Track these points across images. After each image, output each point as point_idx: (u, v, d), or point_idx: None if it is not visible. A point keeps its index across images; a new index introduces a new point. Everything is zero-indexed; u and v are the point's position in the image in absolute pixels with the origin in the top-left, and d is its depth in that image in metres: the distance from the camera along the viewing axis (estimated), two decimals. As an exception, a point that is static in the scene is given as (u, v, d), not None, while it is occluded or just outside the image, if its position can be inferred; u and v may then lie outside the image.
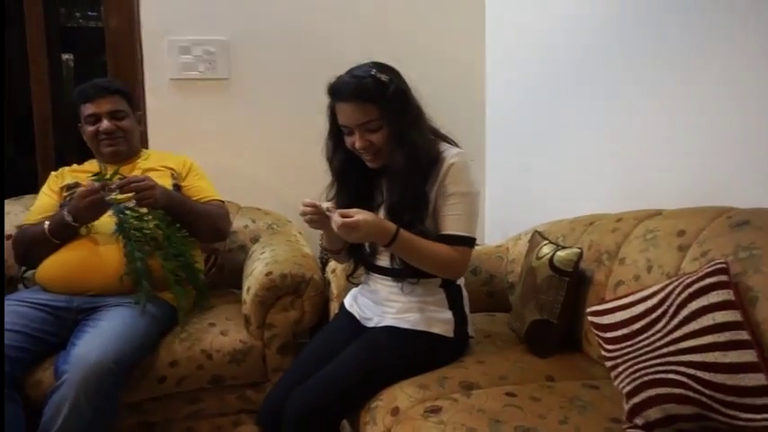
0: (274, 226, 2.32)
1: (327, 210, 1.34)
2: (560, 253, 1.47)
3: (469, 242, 1.41)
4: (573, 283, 1.46)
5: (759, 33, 1.29)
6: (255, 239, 2.27)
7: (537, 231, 1.70)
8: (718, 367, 1.00)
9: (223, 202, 2.05)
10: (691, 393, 1.01)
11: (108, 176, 1.81)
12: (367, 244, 1.52)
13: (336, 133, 1.46)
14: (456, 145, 1.49)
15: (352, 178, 1.50)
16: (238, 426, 1.81)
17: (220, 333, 1.80)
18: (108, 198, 1.67)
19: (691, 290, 1.08)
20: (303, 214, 1.38)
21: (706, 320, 1.04)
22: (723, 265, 1.08)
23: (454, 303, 1.49)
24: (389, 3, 2.54)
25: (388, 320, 1.49)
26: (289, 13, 2.45)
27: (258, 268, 1.87)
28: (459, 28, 2.61)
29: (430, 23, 2.57)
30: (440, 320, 1.46)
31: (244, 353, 1.78)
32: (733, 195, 1.33)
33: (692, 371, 1.02)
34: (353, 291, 1.67)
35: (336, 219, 1.29)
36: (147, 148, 2.32)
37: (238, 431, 1.81)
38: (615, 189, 1.77)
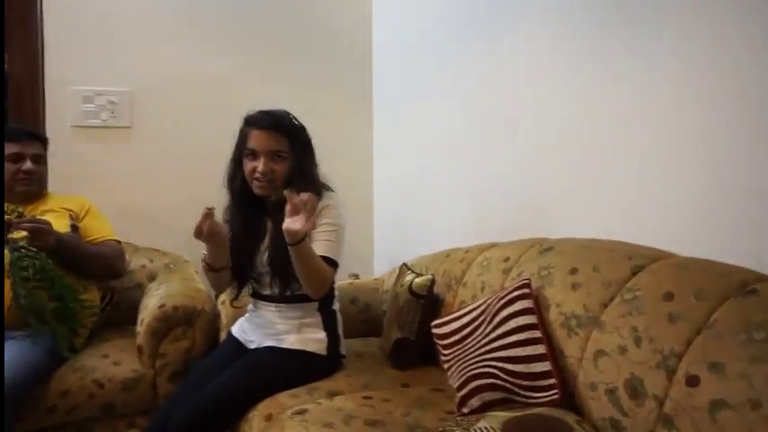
0: (171, 265, 2.45)
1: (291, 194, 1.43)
2: (417, 280, 1.73)
3: (336, 265, 1.63)
4: (427, 304, 1.72)
5: (575, 78, 1.65)
6: (152, 278, 2.38)
7: (404, 264, 1.96)
8: (518, 359, 1.27)
9: (119, 242, 2.17)
10: (499, 382, 1.27)
11: (13, 215, 1.90)
12: (257, 272, 1.70)
13: (239, 159, 1.67)
14: (331, 190, 1.73)
15: (246, 203, 1.69)
16: (129, 453, 1.89)
17: (113, 363, 1.90)
18: (9, 236, 1.77)
19: (503, 301, 1.36)
20: (201, 229, 1.53)
21: (512, 324, 1.32)
22: (527, 281, 1.37)
23: (329, 325, 1.70)
24: (285, 54, 2.82)
25: (269, 342, 1.67)
26: (189, 64, 2.67)
27: (152, 302, 2.00)
28: (350, 83, 2.93)
29: (324, 78, 2.88)
30: (314, 340, 1.67)
31: (135, 381, 1.88)
32: (553, 227, 1.66)
33: (500, 364, 1.29)
34: (241, 318, 1.84)
35: (303, 195, 1.41)
36: (47, 190, 2.40)
37: (128, 457, 1.89)
38: (468, 227, 2.09)
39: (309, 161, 1.68)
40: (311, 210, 1.42)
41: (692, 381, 0.98)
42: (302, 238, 1.44)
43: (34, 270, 1.84)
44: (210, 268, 1.66)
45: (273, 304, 1.70)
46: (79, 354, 1.93)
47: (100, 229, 2.15)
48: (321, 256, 1.58)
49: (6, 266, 1.78)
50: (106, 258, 2.07)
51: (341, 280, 2.07)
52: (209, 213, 1.53)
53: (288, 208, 1.41)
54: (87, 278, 2.05)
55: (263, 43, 2.78)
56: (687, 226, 1.31)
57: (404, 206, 2.67)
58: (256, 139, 1.61)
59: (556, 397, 1.19)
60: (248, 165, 1.63)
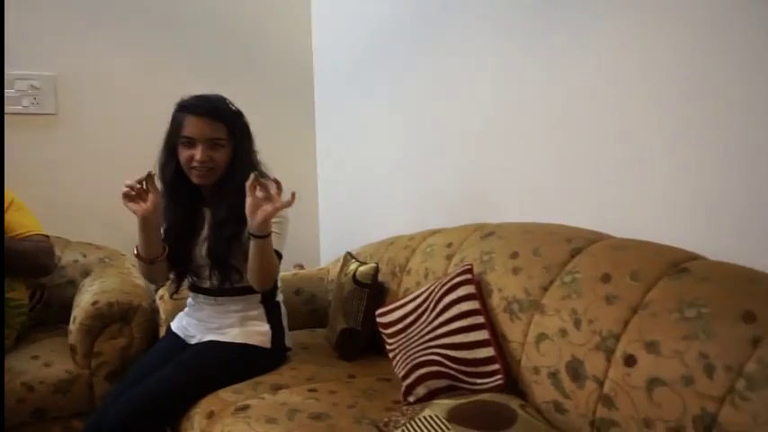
0: (106, 260, 2.34)
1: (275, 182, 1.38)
2: (361, 268, 1.71)
3: (281, 258, 1.59)
4: (372, 293, 1.70)
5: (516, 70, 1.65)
6: (86, 274, 2.27)
7: (348, 253, 1.94)
8: (462, 346, 1.27)
9: (47, 236, 2.05)
10: (443, 369, 1.27)
11: None
12: (195, 264, 1.64)
13: (172, 147, 1.58)
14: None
15: (180, 192, 1.61)
16: (63, 458, 1.81)
17: (44, 365, 1.80)
18: None
19: (446, 287, 1.36)
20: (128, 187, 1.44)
21: (455, 310, 1.31)
22: (469, 267, 1.37)
23: (272, 317, 1.66)
24: (221, 43, 2.71)
25: (210, 336, 1.62)
26: (119, 50, 2.53)
27: (85, 299, 1.90)
28: (290, 70, 2.86)
29: (260, 68, 2.79)
30: (258, 333, 1.62)
31: (69, 382, 1.79)
32: (494, 211, 1.67)
33: (444, 351, 1.28)
34: (180, 314, 1.77)
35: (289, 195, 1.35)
36: (-37, 183, 2.24)
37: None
38: (413, 214, 2.08)
39: (249, 147, 1.62)
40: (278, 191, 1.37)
41: (630, 360, 1.00)
42: (267, 234, 1.40)
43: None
44: (143, 259, 1.58)
45: (213, 297, 1.65)
46: (5, 356, 1.83)
47: (25, 223, 2.03)
48: None
49: None
50: (32, 254, 1.96)
51: (285, 271, 2.02)
52: (149, 177, 1.44)
53: (249, 201, 1.35)
54: (13, 276, 1.93)
55: (198, 32, 2.67)
56: (622, 207, 1.33)
57: (349, 194, 2.63)
58: (193, 127, 1.53)
59: (500, 382, 1.20)
60: (184, 153, 1.55)
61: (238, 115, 1.60)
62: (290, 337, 1.72)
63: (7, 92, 2.36)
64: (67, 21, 2.44)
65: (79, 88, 2.48)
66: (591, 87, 1.38)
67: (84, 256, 2.34)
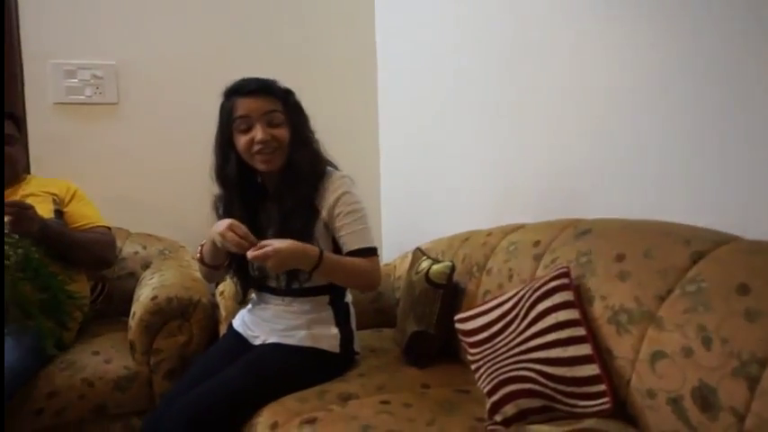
0: (166, 252, 2.29)
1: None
2: (435, 267, 1.56)
3: (376, 252, 1.48)
4: (447, 294, 1.55)
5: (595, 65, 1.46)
6: (146, 266, 2.22)
7: (418, 248, 1.79)
8: (559, 361, 1.10)
9: (109, 228, 2.01)
10: (538, 387, 1.11)
11: None
12: (253, 266, 1.54)
13: (228, 141, 1.46)
14: (336, 167, 1.55)
15: (245, 190, 1.50)
16: (123, 456, 1.75)
17: (104, 361, 1.75)
18: None
19: (538, 293, 1.19)
20: (232, 241, 1.33)
21: (550, 320, 1.15)
22: (565, 270, 1.20)
23: (341, 320, 1.54)
24: (280, 23, 2.60)
25: (275, 337, 1.51)
26: (177, 37, 2.46)
27: (145, 293, 1.84)
28: (350, 54, 2.72)
29: (321, 49, 2.66)
30: (326, 336, 1.51)
31: (128, 379, 1.73)
32: (588, 207, 1.48)
33: (538, 366, 1.12)
34: (242, 311, 1.68)
35: (250, 253, 1.29)
36: (29, 173, 2.23)
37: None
38: (489, 207, 1.90)
39: (307, 126, 1.51)
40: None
41: (783, 393, 0.82)
42: (317, 263, 1.35)
43: (17, 259, 1.67)
44: (207, 265, 1.52)
45: (280, 297, 1.54)
46: (68, 351, 1.78)
47: (87, 214, 1.99)
48: (358, 249, 1.43)
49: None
50: (96, 246, 1.92)
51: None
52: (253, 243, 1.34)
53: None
54: (75, 267, 1.89)
55: (257, 11, 2.57)
56: (750, 203, 1.13)
57: (415, 183, 2.48)
58: (245, 105, 1.41)
59: (607, 406, 1.03)
60: (243, 139, 1.42)
61: (289, 93, 1.49)
62: (358, 341, 1.59)
63: (69, 81, 2.34)
64: (127, 8, 2.39)
65: (140, 77, 2.43)
66: (704, 61, 1.18)
67: (145, 247, 2.30)
